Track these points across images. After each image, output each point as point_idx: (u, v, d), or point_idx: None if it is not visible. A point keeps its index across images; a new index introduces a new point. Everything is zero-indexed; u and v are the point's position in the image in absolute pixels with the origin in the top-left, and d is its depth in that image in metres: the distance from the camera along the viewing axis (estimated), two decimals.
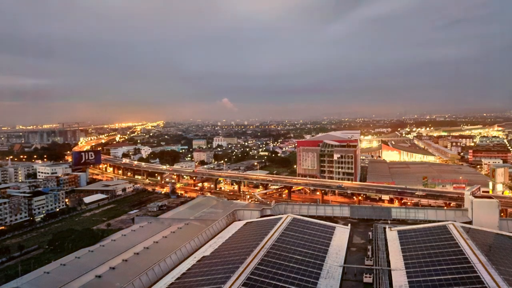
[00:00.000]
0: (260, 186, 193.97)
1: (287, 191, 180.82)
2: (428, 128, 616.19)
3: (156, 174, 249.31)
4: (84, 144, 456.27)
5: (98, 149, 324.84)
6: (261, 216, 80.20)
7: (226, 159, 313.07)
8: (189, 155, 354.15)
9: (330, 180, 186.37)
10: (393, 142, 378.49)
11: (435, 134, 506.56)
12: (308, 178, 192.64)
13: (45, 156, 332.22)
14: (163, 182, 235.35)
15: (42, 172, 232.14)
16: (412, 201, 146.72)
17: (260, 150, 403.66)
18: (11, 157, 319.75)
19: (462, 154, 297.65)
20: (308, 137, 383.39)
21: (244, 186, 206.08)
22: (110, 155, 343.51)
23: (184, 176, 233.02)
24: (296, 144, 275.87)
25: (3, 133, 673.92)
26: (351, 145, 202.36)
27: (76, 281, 55.23)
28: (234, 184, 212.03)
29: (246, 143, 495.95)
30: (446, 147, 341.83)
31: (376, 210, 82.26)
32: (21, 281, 59.37)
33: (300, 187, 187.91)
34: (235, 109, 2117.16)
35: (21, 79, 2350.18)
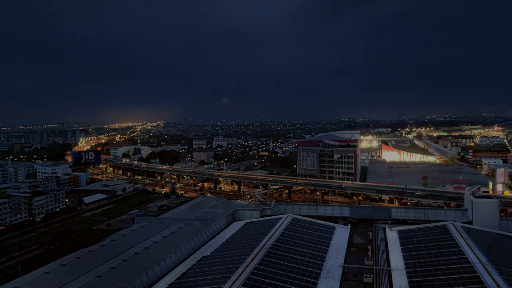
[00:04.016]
0: (260, 186, 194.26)
1: (287, 191, 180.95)
2: (428, 128, 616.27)
3: (156, 174, 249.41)
4: (84, 144, 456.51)
5: (98, 149, 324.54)
6: (261, 216, 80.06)
7: (226, 159, 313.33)
8: (189, 155, 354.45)
9: (330, 180, 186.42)
10: (393, 142, 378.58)
11: (435, 134, 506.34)
12: (308, 178, 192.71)
13: (45, 156, 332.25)
14: (163, 182, 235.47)
15: (42, 172, 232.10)
16: (412, 201, 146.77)
17: (260, 150, 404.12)
18: (11, 157, 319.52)
19: (462, 154, 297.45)
20: (308, 137, 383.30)
21: (244, 186, 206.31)
22: (110, 155, 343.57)
23: (184, 176, 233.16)
24: (296, 144, 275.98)
25: (3, 133, 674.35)
26: (351, 145, 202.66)
27: (76, 281, 55.24)
28: (234, 184, 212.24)
29: (246, 143, 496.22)
30: (446, 147, 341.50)
31: (376, 210, 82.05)
32: (21, 281, 59.31)
33: (300, 187, 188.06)
34: (235, 109, 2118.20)
35: (21, 79, 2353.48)
